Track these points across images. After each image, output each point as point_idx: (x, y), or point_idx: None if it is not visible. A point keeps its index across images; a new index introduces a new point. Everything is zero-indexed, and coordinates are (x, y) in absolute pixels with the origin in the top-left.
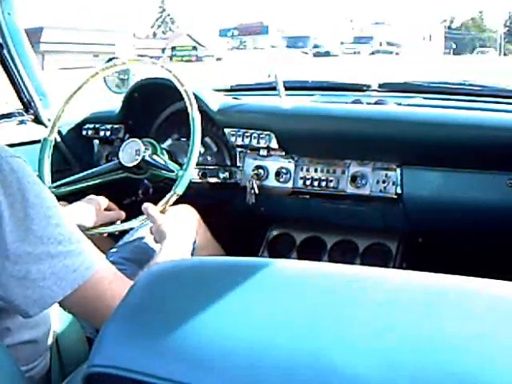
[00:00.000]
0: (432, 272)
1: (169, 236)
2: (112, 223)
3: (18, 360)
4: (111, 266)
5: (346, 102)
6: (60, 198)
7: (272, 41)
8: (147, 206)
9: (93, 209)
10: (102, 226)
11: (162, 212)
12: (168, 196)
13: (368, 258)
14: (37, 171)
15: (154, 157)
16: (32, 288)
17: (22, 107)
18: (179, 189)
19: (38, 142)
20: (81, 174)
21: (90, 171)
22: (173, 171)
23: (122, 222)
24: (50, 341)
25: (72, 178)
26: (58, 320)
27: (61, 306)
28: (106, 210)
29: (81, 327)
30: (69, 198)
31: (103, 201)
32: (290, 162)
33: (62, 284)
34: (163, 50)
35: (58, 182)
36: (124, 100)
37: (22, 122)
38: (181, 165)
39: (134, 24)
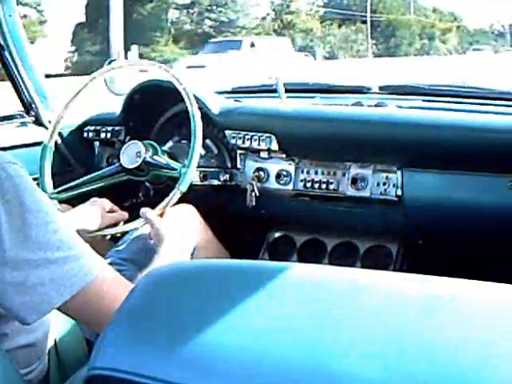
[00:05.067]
0: (432, 274)
1: (167, 240)
2: (115, 225)
3: (16, 363)
4: (110, 269)
5: (347, 105)
6: (63, 201)
7: None
8: (145, 211)
9: (97, 211)
10: (105, 228)
11: (163, 213)
12: (172, 194)
13: (368, 260)
14: (37, 174)
15: (155, 157)
16: (30, 294)
17: (22, 109)
18: (183, 186)
19: (39, 144)
20: (82, 179)
21: (91, 175)
22: (175, 169)
23: (124, 223)
24: (48, 344)
25: (74, 182)
26: (56, 322)
27: (60, 310)
28: (108, 212)
29: (80, 330)
30: (72, 201)
31: (106, 203)
32: (290, 164)
33: (61, 290)
34: None
35: (60, 188)
36: (125, 102)
37: (22, 124)
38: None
39: None
